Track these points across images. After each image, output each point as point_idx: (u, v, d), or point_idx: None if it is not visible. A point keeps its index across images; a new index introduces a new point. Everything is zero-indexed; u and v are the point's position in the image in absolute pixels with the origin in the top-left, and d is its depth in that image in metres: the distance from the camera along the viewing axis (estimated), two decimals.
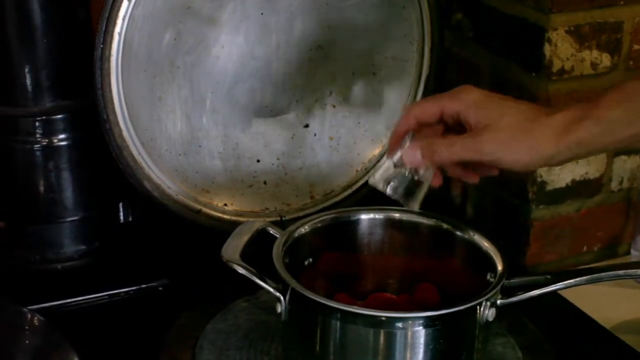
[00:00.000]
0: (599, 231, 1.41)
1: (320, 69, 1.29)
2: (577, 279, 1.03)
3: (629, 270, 1.03)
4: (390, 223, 1.14)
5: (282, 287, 1.03)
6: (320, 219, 1.12)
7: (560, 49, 1.28)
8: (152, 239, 1.33)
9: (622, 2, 1.29)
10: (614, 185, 1.39)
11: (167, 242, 1.32)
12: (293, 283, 1.01)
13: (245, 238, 1.09)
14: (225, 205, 1.27)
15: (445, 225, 1.12)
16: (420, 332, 0.99)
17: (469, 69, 1.40)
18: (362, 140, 1.34)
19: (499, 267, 1.05)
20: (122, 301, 1.22)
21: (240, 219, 1.26)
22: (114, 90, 1.15)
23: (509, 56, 1.34)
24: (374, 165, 1.33)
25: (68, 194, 1.23)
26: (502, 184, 1.38)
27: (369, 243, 1.14)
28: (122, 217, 1.34)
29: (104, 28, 1.12)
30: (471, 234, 1.10)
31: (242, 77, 1.25)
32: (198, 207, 1.24)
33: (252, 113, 1.28)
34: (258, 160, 1.30)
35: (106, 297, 1.22)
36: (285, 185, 1.31)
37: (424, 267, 1.14)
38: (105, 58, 1.13)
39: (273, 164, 1.30)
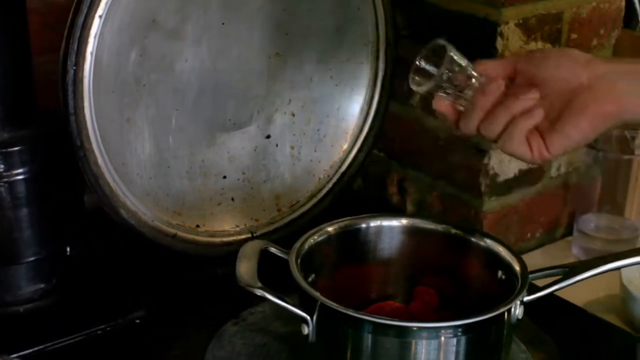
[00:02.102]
0: (541, 217, 1.44)
1: (279, 77, 1.26)
2: (603, 267, 1.04)
3: None
4: (392, 230, 1.12)
5: (308, 307, 0.99)
6: (322, 231, 1.09)
7: (511, 42, 1.29)
8: (108, 269, 1.25)
9: None
10: (553, 171, 1.42)
11: (126, 271, 1.25)
12: (323, 300, 0.97)
13: (254, 260, 1.04)
14: (198, 226, 1.21)
15: (453, 230, 1.10)
16: (458, 340, 0.97)
17: (404, 67, 1.38)
18: (322, 147, 1.31)
19: (517, 266, 1.04)
20: (100, 339, 1.13)
21: (214, 239, 1.21)
22: (87, 114, 1.07)
23: None
24: (336, 172, 1.31)
25: (28, 232, 1.13)
26: (448, 180, 1.39)
27: (374, 252, 1.12)
28: (69, 250, 1.24)
29: (75, 48, 1.04)
30: (479, 236, 1.09)
31: (205, 92, 1.20)
32: (173, 231, 1.18)
33: (216, 128, 1.22)
34: (224, 177, 1.24)
35: (83, 336, 1.13)
36: (251, 200, 1.26)
37: (427, 272, 1.13)
38: (78, 80, 1.05)
39: (239, 179, 1.25)
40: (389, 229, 1.13)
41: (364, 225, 1.12)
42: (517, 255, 1.06)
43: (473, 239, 1.10)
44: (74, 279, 1.22)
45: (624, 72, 0.97)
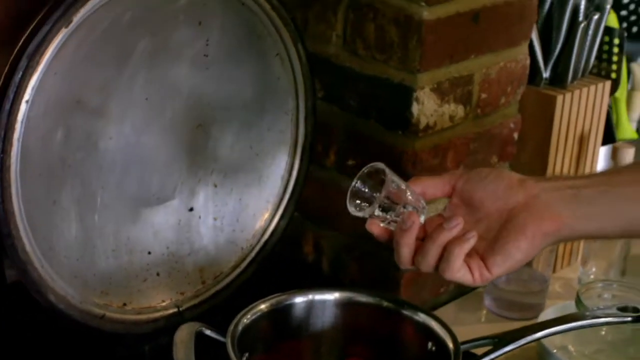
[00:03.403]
0: None
1: (202, 149, 1.25)
2: (531, 336, 1.07)
3: (582, 322, 1.09)
4: (323, 304, 1.13)
5: None
6: (255, 309, 1.09)
7: (426, 106, 1.31)
8: (31, 348, 1.22)
9: (473, 56, 1.34)
10: None
11: (50, 349, 1.22)
12: None
13: (191, 345, 1.03)
14: (125, 304, 1.19)
15: (385, 303, 1.12)
16: None
17: (319, 129, 1.39)
18: (244, 217, 1.30)
19: (450, 340, 1.07)
20: None
21: (141, 317, 1.19)
22: (14, 202, 1.04)
23: (368, 115, 1.36)
24: (258, 241, 1.31)
25: None
26: (365, 238, 1.40)
27: (306, 326, 1.12)
28: None
29: (2, 135, 1.01)
30: (411, 309, 1.11)
31: (129, 167, 1.18)
32: (101, 312, 1.15)
33: (141, 203, 1.21)
34: (149, 252, 1.23)
35: None
36: (176, 273, 1.25)
37: (358, 343, 1.14)
38: (5, 168, 1.02)
39: (163, 254, 1.24)
40: (320, 302, 1.13)
41: (295, 300, 1.12)
42: (449, 329, 1.08)
43: (405, 312, 1.12)
44: None
45: (555, 189, 0.99)
